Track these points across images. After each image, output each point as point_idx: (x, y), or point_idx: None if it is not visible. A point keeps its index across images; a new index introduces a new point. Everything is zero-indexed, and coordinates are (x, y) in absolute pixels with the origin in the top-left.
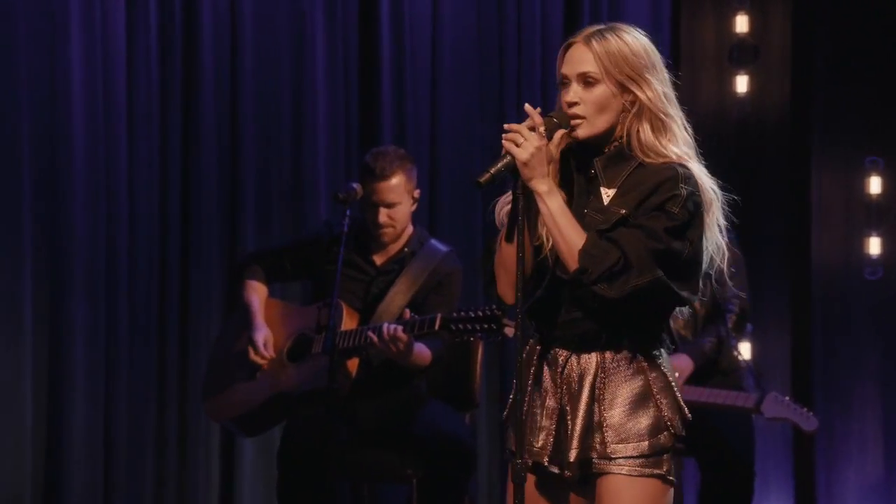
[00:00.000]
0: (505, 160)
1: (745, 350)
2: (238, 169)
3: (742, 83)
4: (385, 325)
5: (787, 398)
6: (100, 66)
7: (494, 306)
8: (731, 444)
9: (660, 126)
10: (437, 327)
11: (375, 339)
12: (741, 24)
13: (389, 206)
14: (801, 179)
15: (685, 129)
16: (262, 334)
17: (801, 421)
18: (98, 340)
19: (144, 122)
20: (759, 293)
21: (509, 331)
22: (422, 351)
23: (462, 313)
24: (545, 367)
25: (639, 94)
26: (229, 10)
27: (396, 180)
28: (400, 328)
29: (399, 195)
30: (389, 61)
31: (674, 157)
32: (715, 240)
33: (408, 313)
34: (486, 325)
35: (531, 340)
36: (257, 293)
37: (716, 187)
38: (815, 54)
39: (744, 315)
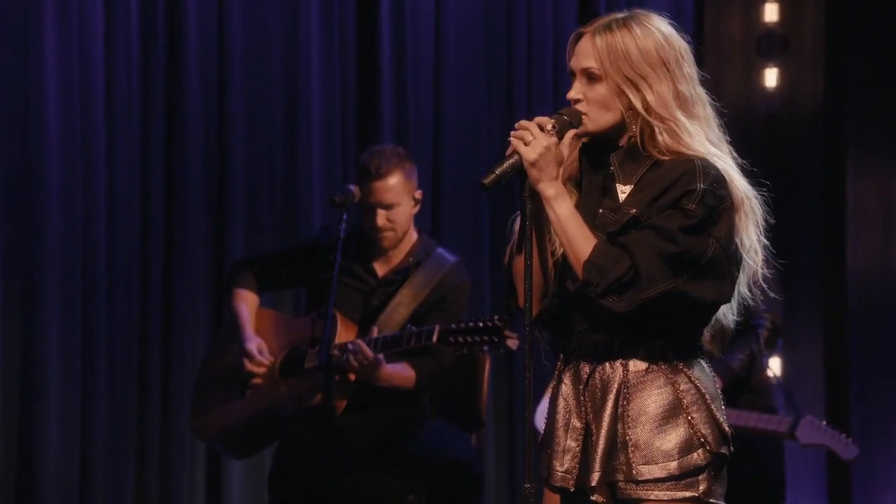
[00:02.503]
0: (511, 160)
1: (774, 366)
2: (226, 170)
3: (771, 77)
4: (359, 340)
5: (825, 423)
6: (75, 57)
7: (496, 316)
8: (760, 471)
9: (671, 130)
10: (434, 340)
11: (338, 354)
12: (770, 12)
13: (387, 207)
14: (835, 181)
15: (711, 128)
16: (255, 343)
17: (840, 448)
18: (73, 357)
19: (124, 119)
20: (791, 304)
21: (512, 343)
22: (400, 371)
23: (461, 324)
24: (569, 383)
25: (641, 97)
26: None
27: (394, 180)
28: (364, 343)
29: (397, 196)
30: (389, 53)
31: (693, 152)
32: (749, 243)
33: (375, 331)
34: (486, 337)
35: (560, 355)
36: (247, 302)
37: (749, 187)
38: (851, 45)
39: (776, 330)
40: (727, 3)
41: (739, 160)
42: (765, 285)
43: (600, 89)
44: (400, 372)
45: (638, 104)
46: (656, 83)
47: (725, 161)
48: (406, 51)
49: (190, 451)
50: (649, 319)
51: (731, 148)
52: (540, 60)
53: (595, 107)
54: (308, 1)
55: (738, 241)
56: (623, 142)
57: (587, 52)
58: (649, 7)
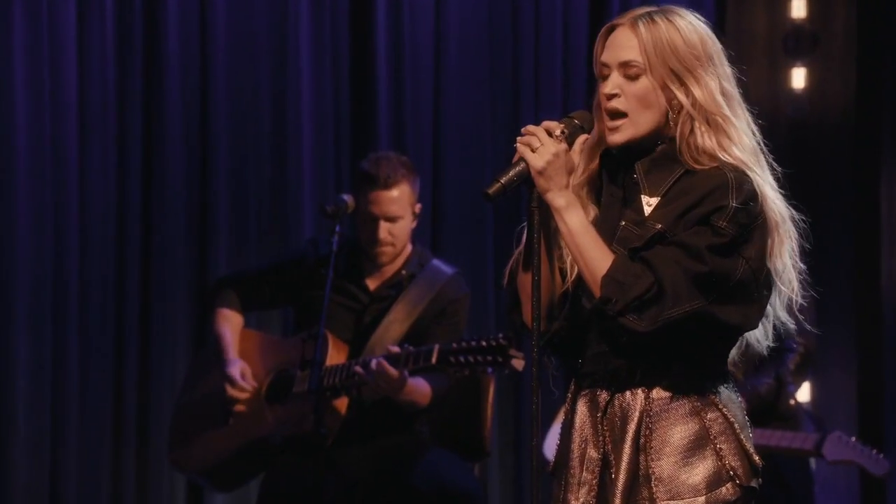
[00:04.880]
0: (518, 168)
1: (804, 390)
2: (209, 180)
3: (799, 77)
4: (374, 359)
5: (853, 438)
6: (46, 59)
7: (501, 335)
8: (786, 492)
9: (716, 128)
10: (434, 361)
11: (363, 373)
12: (798, 7)
13: (391, 219)
14: (868, 190)
15: (752, 133)
16: (238, 367)
17: (870, 464)
18: (43, 381)
19: (99, 126)
20: (821, 324)
21: (518, 363)
22: (419, 387)
23: (463, 344)
24: (585, 410)
25: (687, 92)
26: None
27: (400, 191)
28: (386, 362)
29: (402, 208)
30: (385, 53)
31: (730, 161)
32: (783, 268)
33: (395, 347)
34: (490, 358)
35: (573, 380)
36: (231, 323)
37: (786, 207)
38: (886, 43)
39: (808, 357)
40: None
41: (777, 169)
42: (800, 316)
43: (641, 84)
44: (419, 388)
45: (684, 99)
46: (703, 77)
47: (763, 176)
48: (404, 50)
49: (169, 484)
50: (673, 343)
51: (769, 158)
52: (548, 61)
53: (635, 103)
54: (298, 0)
55: (770, 264)
56: (650, 148)
57: (627, 43)
58: (666, 2)
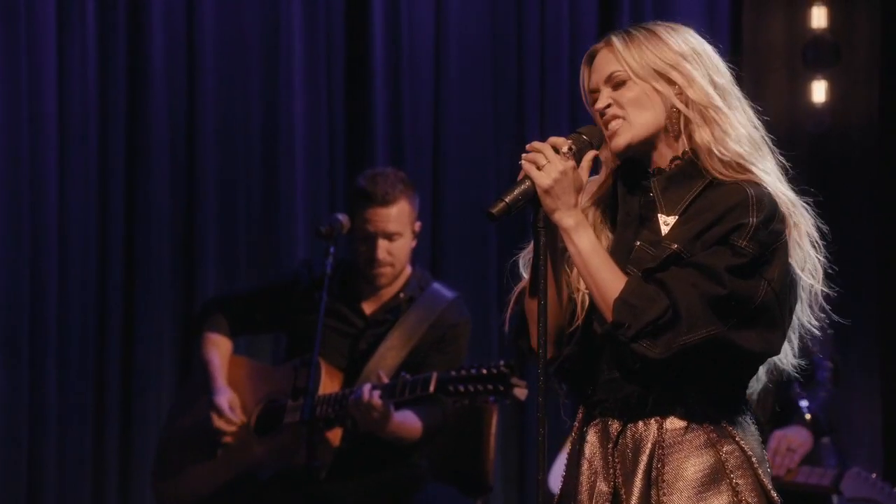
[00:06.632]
0: (523, 186)
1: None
2: (196, 197)
3: (819, 90)
4: (366, 388)
5: (874, 475)
6: (23, 67)
7: (502, 363)
8: None
9: (709, 122)
10: (431, 389)
11: (348, 405)
12: (818, 17)
13: (390, 237)
14: (892, 209)
15: (755, 126)
16: (226, 396)
17: (890, 502)
18: (19, 411)
19: (79, 138)
20: (844, 349)
21: (521, 392)
22: (406, 421)
23: (463, 372)
24: (595, 441)
25: (679, 91)
26: None
27: (399, 208)
28: (377, 392)
29: (402, 226)
30: (383, 65)
31: (745, 178)
32: (805, 258)
33: (382, 377)
34: (491, 386)
35: (581, 408)
36: (219, 349)
37: (793, 193)
38: None
39: (837, 371)
40: (768, 6)
41: (785, 163)
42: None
43: (631, 89)
44: (407, 422)
45: (674, 98)
46: (690, 72)
47: (765, 167)
48: (402, 61)
49: None
50: (688, 370)
51: (779, 158)
52: (554, 73)
53: (631, 108)
54: (289, 5)
55: (791, 260)
56: (665, 164)
57: (607, 60)
58: (681, 12)
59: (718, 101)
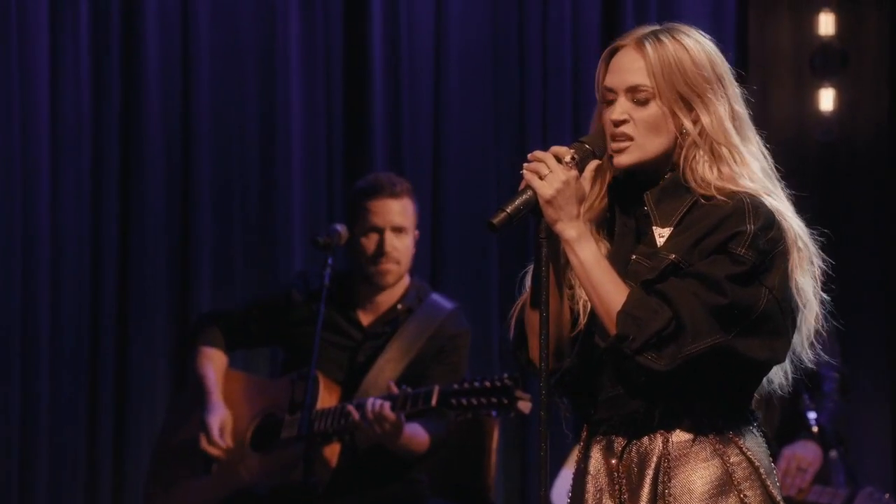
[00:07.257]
0: (524, 196)
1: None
2: (191, 207)
3: (827, 98)
4: (370, 401)
5: (887, 495)
6: (15, 75)
7: (506, 375)
8: None
9: (719, 159)
10: (433, 403)
11: (357, 416)
12: (826, 24)
13: (398, 230)
14: None
15: (764, 156)
16: (218, 417)
17: None
18: (11, 429)
19: (73, 147)
20: (852, 360)
21: (525, 406)
22: (416, 434)
23: (465, 385)
24: (600, 457)
25: (696, 119)
26: (180, 1)
27: (406, 204)
28: (388, 404)
29: (408, 222)
30: (382, 73)
31: (740, 188)
32: (805, 296)
33: (392, 387)
34: (494, 399)
35: (585, 425)
36: (214, 363)
37: (805, 231)
38: None
39: (845, 381)
40: (775, 13)
41: (791, 193)
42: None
43: (651, 110)
44: (416, 435)
45: (690, 126)
46: (712, 102)
47: (780, 199)
48: (401, 69)
49: None
50: (693, 381)
51: (783, 183)
52: (557, 80)
53: (644, 130)
54: (287, 10)
55: (792, 287)
56: (659, 176)
57: (633, 66)
58: (685, 17)
59: (735, 139)
